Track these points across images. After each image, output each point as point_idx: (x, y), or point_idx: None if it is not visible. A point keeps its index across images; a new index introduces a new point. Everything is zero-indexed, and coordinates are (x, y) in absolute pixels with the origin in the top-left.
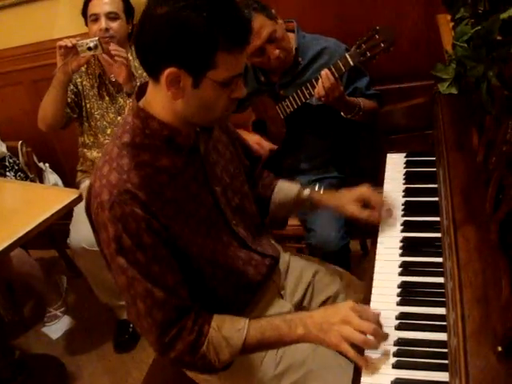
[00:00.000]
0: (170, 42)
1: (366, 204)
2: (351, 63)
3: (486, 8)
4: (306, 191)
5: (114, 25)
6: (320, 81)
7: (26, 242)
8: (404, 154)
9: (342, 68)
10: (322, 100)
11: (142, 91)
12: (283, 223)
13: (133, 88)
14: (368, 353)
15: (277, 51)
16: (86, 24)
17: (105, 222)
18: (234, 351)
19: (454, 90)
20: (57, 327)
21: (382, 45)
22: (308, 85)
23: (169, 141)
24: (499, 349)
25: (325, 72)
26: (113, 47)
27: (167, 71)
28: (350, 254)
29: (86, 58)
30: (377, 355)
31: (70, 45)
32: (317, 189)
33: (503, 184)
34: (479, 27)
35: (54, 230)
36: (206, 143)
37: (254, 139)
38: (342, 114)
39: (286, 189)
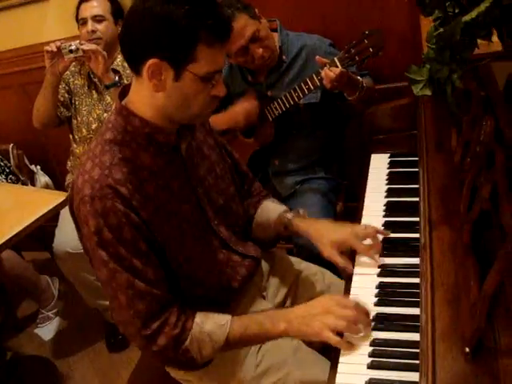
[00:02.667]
0: (152, 34)
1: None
2: (340, 67)
3: (455, 10)
4: (288, 215)
5: (100, 27)
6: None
7: (17, 243)
8: (388, 155)
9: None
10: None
11: (125, 91)
12: (270, 243)
13: (111, 81)
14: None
15: (260, 50)
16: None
17: (86, 217)
18: (216, 346)
19: (427, 92)
20: (49, 328)
21: (371, 49)
22: (296, 87)
23: (150, 138)
24: (466, 350)
25: (324, 72)
26: (85, 46)
27: (149, 62)
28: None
29: (70, 60)
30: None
31: (54, 49)
32: (301, 213)
33: (476, 185)
34: (442, 30)
35: (47, 231)
36: (189, 143)
37: (239, 109)
38: (346, 96)
39: (270, 209)
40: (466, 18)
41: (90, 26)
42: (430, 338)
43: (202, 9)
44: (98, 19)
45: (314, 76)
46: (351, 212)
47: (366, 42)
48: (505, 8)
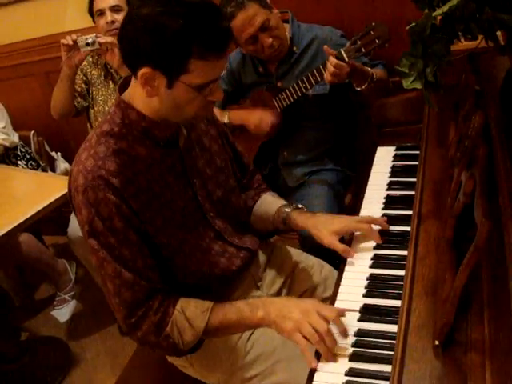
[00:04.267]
0: (146, 44)
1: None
2: (346, 59)
3: (440, 5)
4: (286, 209)
5: (119, 16)
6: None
7: (38, 227)
8: (394, 148)
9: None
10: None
11: (126, 84)
12: (268, 235)
13: (126, 72)
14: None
15: (270, 39)
16: (94, 21)
17: (79, 206)
18: (196, 333)
19: (418, 85)
20: (65, 311)
21: (377, 41)
22: (304, 78)
23: (146, 132)
24: (436, 342)
25: (329, 64)
26: (101, 39)
27: (142, 70)
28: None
29: (86, 53)
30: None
31: (70, 43)
32: (300, 206)
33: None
34: (413, 24)
35: (66, 216)
36: (188, 135)
37: (256, 116)
38: (355, 86)
39: (269, 203)
40: (438, 12)
41: (110, 16)
42: (403, 329)
43: (197, 23)
44: (116, 9)
45: (321, 67)
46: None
47: (371, 33)
48: (478, 2)
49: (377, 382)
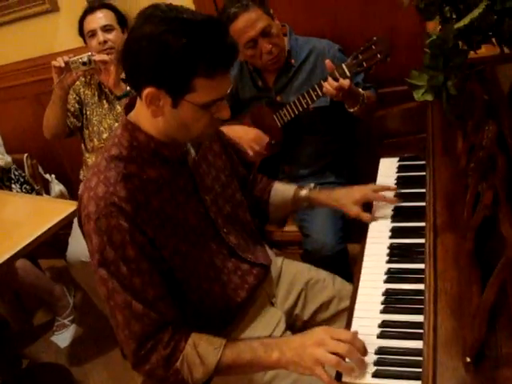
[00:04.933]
0: (150, 63)
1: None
2: (348, 74)
3: (453, 16)
4: (304, 191)
5: (111, 36)
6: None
7: (31, 252)
8: (397, 159)
9: (339, 78)
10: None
11: (131, 105)
12: (283, 221)
13: (122, 91)
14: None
15: (269, 46)
16: (85, 42)
17: (90, 234)
18: (207, 370)
19: (429, 97)
20: (65, 336)
21: (379, 56)
22: (305, 93)
23: (156, 153)
24: (468, 360)
25: (326, 84)
26: (97, 57)
27: (146, 90)
28: (352, 258)
29: (78, 73)
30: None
31: (62, 64)
32: (313, 187)
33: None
34: (434, 37)
35: (62, 239)
36: (195, 154)
37: (251, 135)
38: (346, 108)
39: (282, 190)
40: (459, 24)
41: (101, 36)
42: (432, 346)
43: (201, 41)
44: (107, 29)
45: (323, 82)
46: None
47: (373, 48)
48: (499, 13)
49: None
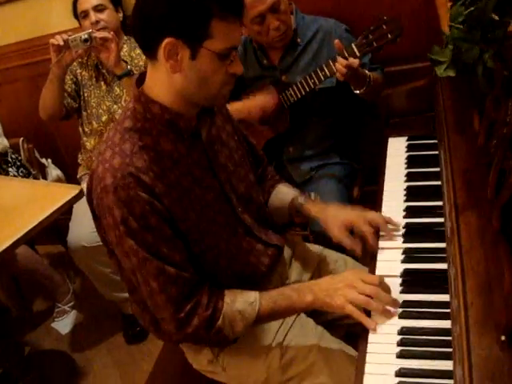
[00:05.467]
0: (165, 13)
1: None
2: (357, 54)
3: None
4: (301, 199)
5: (103, 16)
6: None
7: (31, 238)
8: (405, 138)
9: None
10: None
11: (141, 79)
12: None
13: (123, 70)
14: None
15: (277, 22)
16: (80, 24)
17: (110, 206)
18: (248, 323)
19: (451, 73)
20: (66, 322)
21: (389, 35)
22: (312, 73)
23: (170, 125)
24: (502, 338)
25: (337, 63)
26: (98, 34)
27: (165, 42)
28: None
29: (78, 52)
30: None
31: (61, 43)
32: (313, 197)
33: (504, 168)
34: (473, 8)
35: (60, 225)
36: (209, 129)
37: (258, 103)
38: (353, 89)
39: (282, 193)
40: None
41: (94, 16)
42: (464, 325)
43: None
44: (99, 9)
45: (331, 62)
46: (368, 197)
47: (384, 27)
48: None
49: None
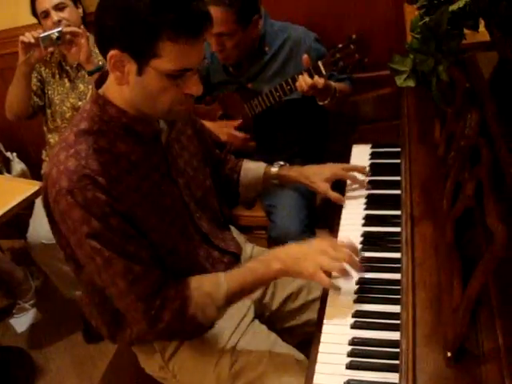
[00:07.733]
0: (114, 24)
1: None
2: (323, 73)
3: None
4: (274, 169)
5: (65, 14)
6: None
7: None
8: (370, 146)
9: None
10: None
11: (102, 80)
12: (252, 203)
13: (95, 65)
14: None
15: (217, 47)
16: (40, 23)
17: (68, 209)
18: (219, 305)
19: (411, 83)
20: (24, 320)
21: (356, 55)
22: (278, 86)
23: (128, 128)
24: (448, 354)
25: (300, 79)
26: (68, 28)
27: (111, 53)
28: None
29: (49, 49)
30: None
31: (32, 41)
32: (283, 164)
33: (460, 180)
34: (428, 18)
35: (23, 219)
36: (169, 133)
37: (224, 131)
38: (317, 101)
39: (253, 169)
40: (453, 7)
41: (55, 16)
42: (411, 339)
43: (167, 3)
44: (60, 7)
45: (297, 77)
46: (330, 204)
47: (351, 47)
48: None
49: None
